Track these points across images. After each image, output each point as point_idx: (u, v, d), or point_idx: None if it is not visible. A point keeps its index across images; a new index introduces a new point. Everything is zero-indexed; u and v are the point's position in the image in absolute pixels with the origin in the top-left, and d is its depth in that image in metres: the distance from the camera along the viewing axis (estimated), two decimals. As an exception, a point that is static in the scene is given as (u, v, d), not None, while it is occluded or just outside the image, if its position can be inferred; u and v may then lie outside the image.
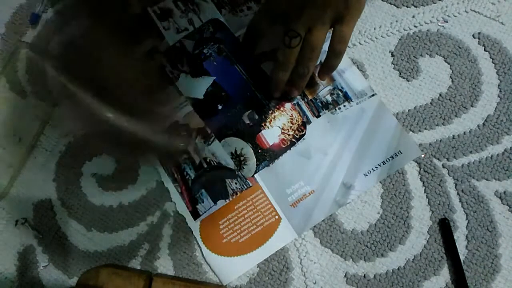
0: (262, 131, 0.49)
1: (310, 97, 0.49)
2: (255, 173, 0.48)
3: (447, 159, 0.47)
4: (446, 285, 0.44)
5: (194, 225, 0.48)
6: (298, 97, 0.49)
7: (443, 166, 0.47)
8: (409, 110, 0.48)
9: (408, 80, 0.49)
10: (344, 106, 0.49)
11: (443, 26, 0.50)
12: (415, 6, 0.51)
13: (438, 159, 0.47)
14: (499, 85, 0.48)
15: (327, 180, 0.47)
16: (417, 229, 0.46)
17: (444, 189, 0.46)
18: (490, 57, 0.49)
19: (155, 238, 0.49)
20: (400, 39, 0.50)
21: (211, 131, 0.50)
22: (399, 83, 0.49)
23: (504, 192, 0.46)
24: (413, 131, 0.48)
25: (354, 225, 0.47)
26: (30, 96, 0.54)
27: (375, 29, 0.51)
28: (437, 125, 0.48)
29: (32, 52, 0.55)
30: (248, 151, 0.48)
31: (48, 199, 0.52)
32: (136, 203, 0.50)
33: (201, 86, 0.51)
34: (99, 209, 0.51)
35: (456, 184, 0.46)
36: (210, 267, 0.47)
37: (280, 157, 0.48)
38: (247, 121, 0.49)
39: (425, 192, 0.47)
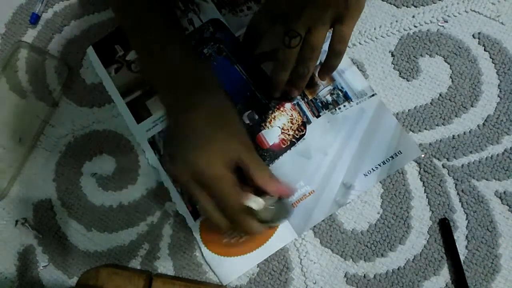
0: (262, 131, 0.49)
1: (310, 97, 0.49)
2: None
3: (447, 159, 0.47)
4: (446, 285, 0.44)
5: (194, 225, 0.48)
6: (298, 97, 0.49)
7: (443, 166, 0.47)
8: (409, 110, 0.48)
9: (408, 80, 0.49)
10: (344, 106, 0.49)
11: (443, 26, 0.50)
12: (415, 6, 0.51)
13: (438, 159, 0.47)
14: (499, 85, 0.48)
15: (327, 180, 0.47)
16: (417, 229, 0.46)
17: (444, 189, 0.46)
18: (490, 57, 0.49)
19: (155, 238, 0.49)
20: (400, 39, 0.50)
21: (211, 131, 0.49)
22: (399, 83, 0.49)
23: (504, 192, 0.46)
24: (413, 131, 0.48)
25: (354, 225, 0.47)
26: (30, 96, 0.54)
27: (375, 29, 0.51)
28: (437, 125, 0.48)
29: (32, 52, 0.56)
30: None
31: (48, 199, 0.52)
32: (136, 203, 0.50)
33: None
34: (99, 209, 0.51)
35: (456, 184, 0.46)
36: (210, 267, 0.47)
37: (280, 157, 0.48)
38: (247, 121, 0.49)
39: (425, 192, 0.47)
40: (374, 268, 0.46)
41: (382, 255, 0.46)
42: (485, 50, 0.49)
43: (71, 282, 0.50)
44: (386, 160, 0.47)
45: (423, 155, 0.47)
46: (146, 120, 0.51)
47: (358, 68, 0.50)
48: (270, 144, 0.49)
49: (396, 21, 0.51)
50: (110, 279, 0.45)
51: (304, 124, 0.49)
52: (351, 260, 0.46)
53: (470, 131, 0.47)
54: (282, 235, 0.47)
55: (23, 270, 0.51)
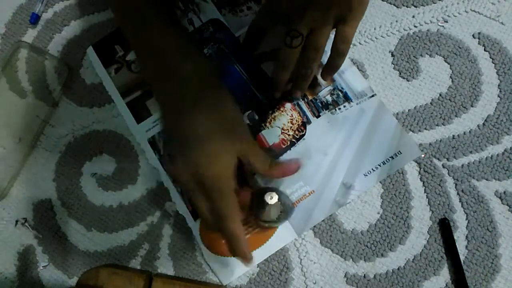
0: (262, 131, 0.49)
1: (310, 97, 0.49)
2: (255, 173, 0.48)
3: (447, 159, 0.47)
4: (446, 285, 0.44)
5: (194, 225, 0.48)
6: (299, 96, 0.49)
7: (443, 166, 0.47)
8: (409, 110, 0.48)
9: (408, 80, 0.49)
10: (344, 106, 0.49)
11: (443, 26, 0.50)
12: (415, 6, 0.51)
13: (438, 159, 0.47)
14: (499, 85, 0.48)
15: (327, 180, 0.47)
16: (417, 229, 0.46)
17: (444, 189, 0.46)
18: (490, 57, 0.49)
19: (155, 238, 0.49)
20: (400, 39, 0.50)
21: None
22: (399, 83, 0.49)
23: (504, 192, 0.46)
24: (413, 131, 0.48)
25: (354, 225, 0.47)
26: (30, 96, 0.54)
27: (375, 29, 0.51)
28: (437, 125, 0.48)
29: (32, 52, 0.56)
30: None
31: (48, 199, 0.52)
32: (136, 203, 0.50)
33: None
34: (99, 209, 0.51)
35: (456, 184, 0.46)
36: (210, 267, 0.47)
37: (280, 157, 0.48)
38: (247, 121, 0.49)
39: (425, 192, 0.47)
40: (374, 268, 0.46)
41: (382, 255, 0.46)
42: (485, 50, 0.49)
43: (71, 282, 0.50)
44: (386, 160, 0.47)
45: (423, 155, 0.47)
46: (146, 120, 0.51)
47: (358, 68, 0.50)
48: (270, 144, 0.49)
49: (396, 21, 0.51)
50: (110, 279, 0.45)
51: (304, 124, 0.49)
52: (351, 260, 0.46)
53: (470, 131, 0.47)
54: (282, 235, 0.47)
55: (23, 270, 0.51)
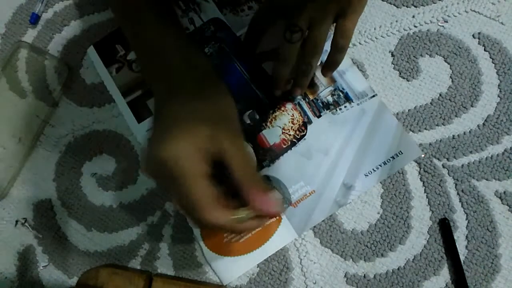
0: (263, 131, 0.49)
1: (311, 97, 0.49)
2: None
3: (447, 159, 0.47)
4: (446, 285, 0.44)
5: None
6: (299, 97, 0.49)
7: (443, 166, 0.47)
8: (409, 110, 0.48)
9: (408, 80, 0.49)
10: (345, 107, 0.49)
11: (443, 26, 0.50)
12: (415, 6, 0.51)
13: (438, 159, 0.47)
14: (499, 85, 0.48)
15: (327, 180, 0.47)
16: (417, 229, 0.46)
17: (444, 189, 0.46)
18: (490, 57, 0.49)
19: (155, 238, 0.49)
20: (400, 39, 0.50)
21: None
22: (399, 83, 0.49)
23: (504, 192, 0.46)
24: (413, 131, 0.48)
25: (354, 225, 0.47)
26: (30, 96, 0.54)
27: (375, 29, 0.51)
28: (437, 125, 0.48)
29: (32, 52, 0.55)
30: (249, 151, 0.48)
31: (48, 199, 0.52)
32: (136, 203, 0.50)
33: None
34: (99, 209, 0.51)
35: (456, 184, 0.46)
36: (210, 267, 0.47)
37: (280, 157, 0.48)
38: (248, 121, 0.49)
39: (425, 192, 0.47)
40: (374, 268, 0.46)
41: (382, 255, 0.46)
42: (485, 50, 0.49)
43: (71, 282, 0.50)
44: (387, 161, 0.47)
45: (423, 155, 0.47)
46: (147, 120, 0.51)
47: (358, 68, 0.50)
48: (271, 144, 0.49)
49: (396, 21, 0.51)
50: (110, 279, 0.45)
51: (305, 124, 0.49)
52: (351, 260, 0.46)
53: (470, 131, 0.47)
54: (282, 235, 0.47)
55: (23, 270, 0.51)
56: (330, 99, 0.49)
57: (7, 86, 0.55)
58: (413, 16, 0.51)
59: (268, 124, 0.49)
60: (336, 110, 0.49)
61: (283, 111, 0.49)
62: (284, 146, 0.48)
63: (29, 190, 0.52)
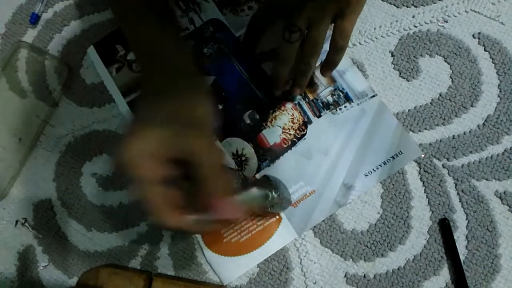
0: (263, 131, 0.49)
1: (311, 97, 0.49)
2: (256, 173, 0.48)
3: (447, 159, 0.47)
4: (446, 285, 0.44)
5: (195, 225, 0.48)
6: (299, 97, 0.49)
7: (443, 166, 0.47)
8: (409, 110, 0.48)
9: (408, 80, 0.49)
10: (345, 106, 0.49)
11: (443, 26, 0.50)
12: (415, 6, 0.51)
13: (438, 159, 0.47)
14: (499, 85, 0.48)
15: (327, 180, 0.47)
16: (417, 229, 0.46)
17: (444, 189, 0.46)
18: (490, 57, 0.49)
19: (155, 238, 0.49)
20: (400, 39, 0.50)
21: (212, 131, 0.49)
22: (399, 83, 0.49)
23: (504, 192, 0.46)
24: (413, 131, 0.48)
25: (354, 225, 0.47)
26: (30, 96, 0.54)
27: (375, 29, 0.51)
28: (437, 125, 0.48)
29: (32, 52, 0.56)
30: (249, 151, 0.48)
31: (48, 199, 0.52)
32: (136, 203, 0.50)
33: (201, 86, 0.51)
34: (99, 209, 0.51)
35: (456, 184, 0.46)
36: (210, 266, 0.47)
37: (281, 157, 0.48)
38: (248, 121, 0.49)
39: (425, 192, 0.47)
40: (374, 268, 0.46)
41: (382, 255, 0.46)
42: (485, 50, 0.49)
43: (71, 282, 0.50)
44: (387, 161, 0.47)
45: (423, 155, 0.47)
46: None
47: (358, 68, 0.50)
48: (271, 143, 0.49)
49: (396, 21, 0.51)
50: (110, 279, 0.45)
51: (305, 123, 0.49)
52: (351, 260, 0.46)
53: (470, 131, 0.47)
54: (283, 235, 0.47)
55: (23, 270, 0.51)
56: (330, 99, 0.49)
57: (7, 86, 0.55)
58: (413, 16, 0.51)
59: (268, 124, 0.49)
60: (336, 110, 0.49)
61: (283, 110, 0.49)
62: (284, 146, 0.48)
63: (29, 190, 0.52)
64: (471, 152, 0.47)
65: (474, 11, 0.50)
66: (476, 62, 0.49)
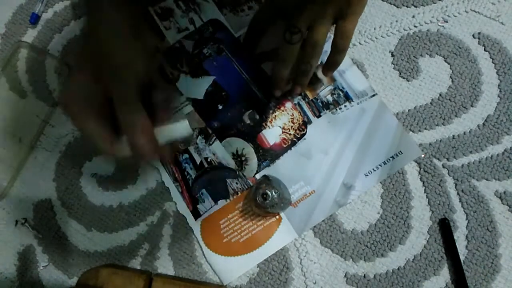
0: (263, 131, 0.49)
1: (311, 97, 0.49)
2: (256, 173, 0.48)
3: (447, 159, 0.47)
4: (446, 285, 0.44)
5: (195, 225, 0.48)
6: (299, 96, 0.49)
7: (443, 166, 0.47)
8: (409, 110, 0.48)
9: (408, 80, 0.49)
10: (345, 106, 0.49)
11: (443, 26, 0.50)
12: (415, 6, 0.51)
13: (438, 159, 0.47)
14: (499, 85, 0.48)
15: (327, 180, 0.47)
16: (417, 229, 0.46)
17: (444, 189, 0.46)
18: (490, 57, 0.49)
19: (155, 238, 0.49)
20: (400, 39, 0.50)
21: (212, 131, 0.50)
22: (399, 83, 0.49)
23: (504, 192, 0.46)
24: (413, 131, 0.48)
25: (354, 225, 0.47)
26: (30, 96, 0.54)
27: (375, 29, 0.51)
28: (437, 125, 0.48)
29: (32, 52, 0.55)
30: (249, 151, 0.49)
31: (48, 199, 0.52)
32: (136, 203, 0.50)
33: (201, 86, 0.51)
34: (99, 209, 0.51)
35: (456, 184, 0.46)
36: (210, 266, 0.47)
37: (281, 157, 0.48)
38: (248, 121, 0.49)
39: (425, 192, 0.47)
40: (374, 268, 0.46)
41: (382, 255, 0.46)
42: (485, 50, 0.49)
43: (71, 282, 0.50)
44: (387, 160, 0.47)
45: (423, 155, 0.47)
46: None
47: (358, 68, 0.50)
48: (271, 143, 0.49)
49: (396, 21, 0.51)
50: (110, 279, 0.45)
51: (305, 123, 0.49)
52: (351, 260, 0.46)
53: (470, 131, 0.47)
54: (282, 235, 0.47)
55: (23, 270, 0.51)
56: (330, 98, 0.49)
57: (7, 86, 0.55)
58: (413, 16, 0.51)
59: (268, 124, 0.49)
60: (336, 109, 0.49)
61: (282, 110, 0.49)
62: (284, 146, 0.48)
63: (29, 190, 0.52)
64: (471, 152, 0.47)
65: (474, 11, 0.50)
66: (476, 62, 0.49)
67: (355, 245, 0.46)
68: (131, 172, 0.51)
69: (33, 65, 0.55)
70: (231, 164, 0.49)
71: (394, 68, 0.50)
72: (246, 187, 0.48)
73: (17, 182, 0.53)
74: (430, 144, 0.47)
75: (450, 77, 0.49)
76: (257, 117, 0.49)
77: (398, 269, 0.45)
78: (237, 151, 0.49)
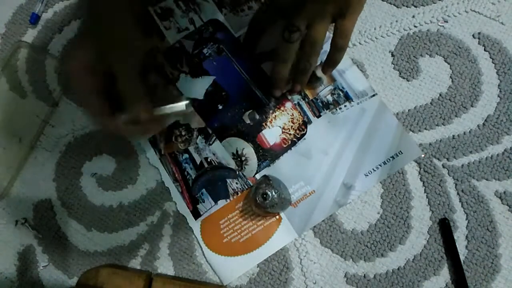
0: (263, 131, 0.49)
1: (310, 97, 0.49)
2: (256, 173, 0.48)
3: (447, 159, 0.47)
4: (446, 285, 0.44)
5: (195, 225, 0.48)
6: (299, 96, 0.49)
7: (443, 166, 0.47)
8: (409, 110, 0.48)
9: (408, 80, 0.49)
10: (345, 106, 0.49)
11: (443, 26, 0.50)
12: (415, 6, 0.51)
13: (438, 159, 0.47)
14: (499, 85, 0.48)
15: (327, 180, 0.47)
16: (417, 229, 0.46)
17: (444, 189, 0.46)
18: (490, 57, 0.49)
19: (155, 238, 0.49)
20: (400, 39, 0.50)
21: (212, 131, 0.50)
22: (399, 83, 0.49)
23: (504, 192, 0.46)
24: (413, 131, 0.48)
25: (354, 225, 0.47)
26: (30, 96, 0.54)
27: (375, 29, 0.51)
28: (437, 125, 0.48)
29: (32, 52, 0.55)
30: (249, 151, 0.49)
31: (48, 199, 0.52)
32: (136, 203, 0.50)
33: (201, 86, 0.51)
34: (99, 209, 0.51)
35: (456, 184, 0.46)
36: (210, 266, 0.47)
37: (281, 157, 0.48)
38: (248, 121, 0.49)
39: (425, 192, 0.47)
40: (374, 268, 0.46)
41: (382, 255, 0.46)
42: (485, 50, 0.49)
43: (71, 282, 0.50)
44: (387, 160, 0.47)
45: (423, 155, 0.47)
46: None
47: (358, 68, 0.50)
48: (271, 143, 0.49)
49: (396, 21, 0.51)
50: (110, 279, 0.45)
51: (305, 123, 0.49)
52: (351, 260, 0.46)
53: (470, 131, 0.47)
54: (283, 235, 0.47)
55: (23, 270, 0.51)
56: (330, 98, 0.49)
57: (7, 86, 0.55)
58: (413, 16, 0.51)
59: (268, 124, 0.49)
60: (336, 109, 0.49)
61: (282, 110, 0.49)
62: (284, 146, 0.48)
63: (29, 190, 0.52)
64: (471, 152, 0.47)
65: (474, 11, 0.50)
66: (476, 62, 0.49)
67: (355, 245, 0.46)
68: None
69: (33, 65, 0.55)
70: (231, 164, 0.49)
71: (394, 68, 0.50)
72: (246, 187, 0.48)
73: (17, 182, 0.53)
74: (430, 144, 0.47)
75: (450, 77, 0.49)
76: (257, 117, 0.49)
77: (398, 269, 0.45)
78: (237, 151, 0.49)
